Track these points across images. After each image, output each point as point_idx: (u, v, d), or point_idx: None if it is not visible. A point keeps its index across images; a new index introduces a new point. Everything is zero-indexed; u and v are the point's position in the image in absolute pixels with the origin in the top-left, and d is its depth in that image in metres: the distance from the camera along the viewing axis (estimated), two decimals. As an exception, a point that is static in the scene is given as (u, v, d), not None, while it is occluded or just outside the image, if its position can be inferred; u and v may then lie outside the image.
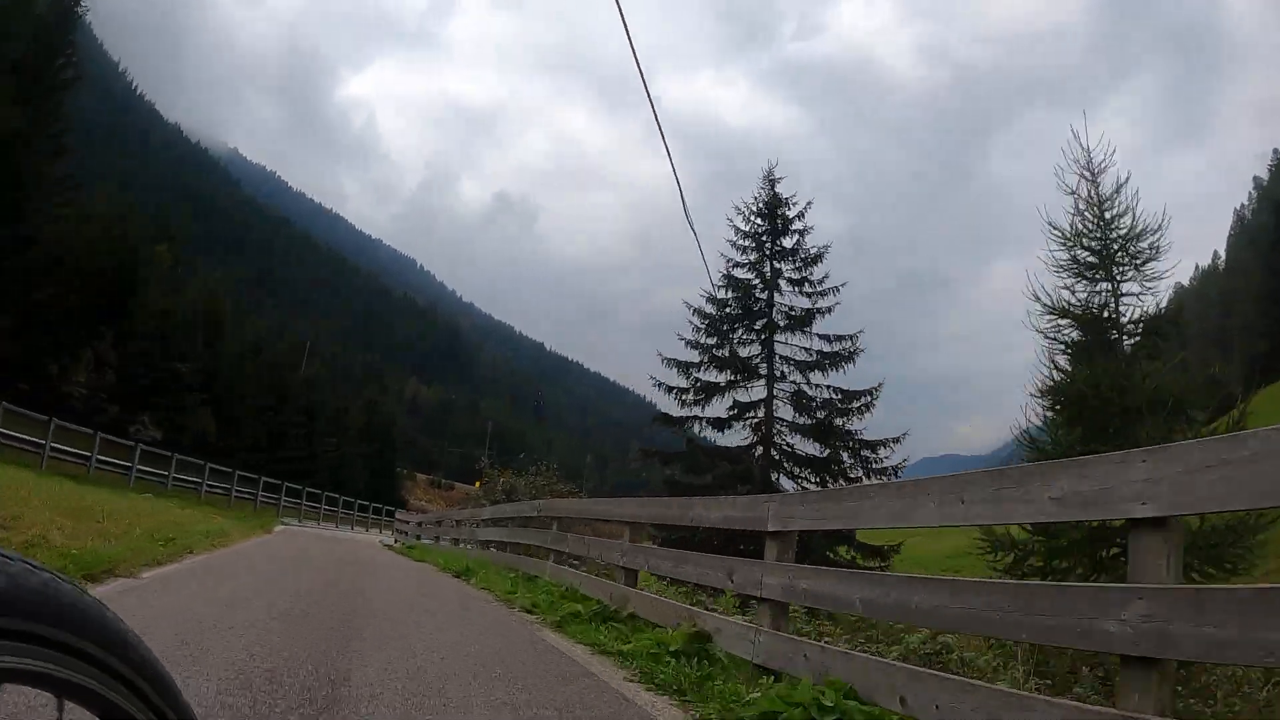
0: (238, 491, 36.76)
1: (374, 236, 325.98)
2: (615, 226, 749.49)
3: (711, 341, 28.40)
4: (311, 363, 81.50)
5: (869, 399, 26.96)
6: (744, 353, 28.42)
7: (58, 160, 49.17)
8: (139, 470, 29.56)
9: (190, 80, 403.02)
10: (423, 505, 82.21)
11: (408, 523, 34.87)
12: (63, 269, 48.30)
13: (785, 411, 27.73)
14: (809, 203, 29.06)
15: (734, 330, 28.68)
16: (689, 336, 28.48)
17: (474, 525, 21.92)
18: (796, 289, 28.24)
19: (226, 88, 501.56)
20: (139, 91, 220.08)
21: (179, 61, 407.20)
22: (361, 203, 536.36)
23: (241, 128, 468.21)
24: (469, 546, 21.40)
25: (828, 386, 27.44)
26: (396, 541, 31.99)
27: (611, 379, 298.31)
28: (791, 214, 28.54)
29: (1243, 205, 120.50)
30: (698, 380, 28.82)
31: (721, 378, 28.45)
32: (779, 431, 27.65)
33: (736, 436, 27.82)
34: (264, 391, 64.93)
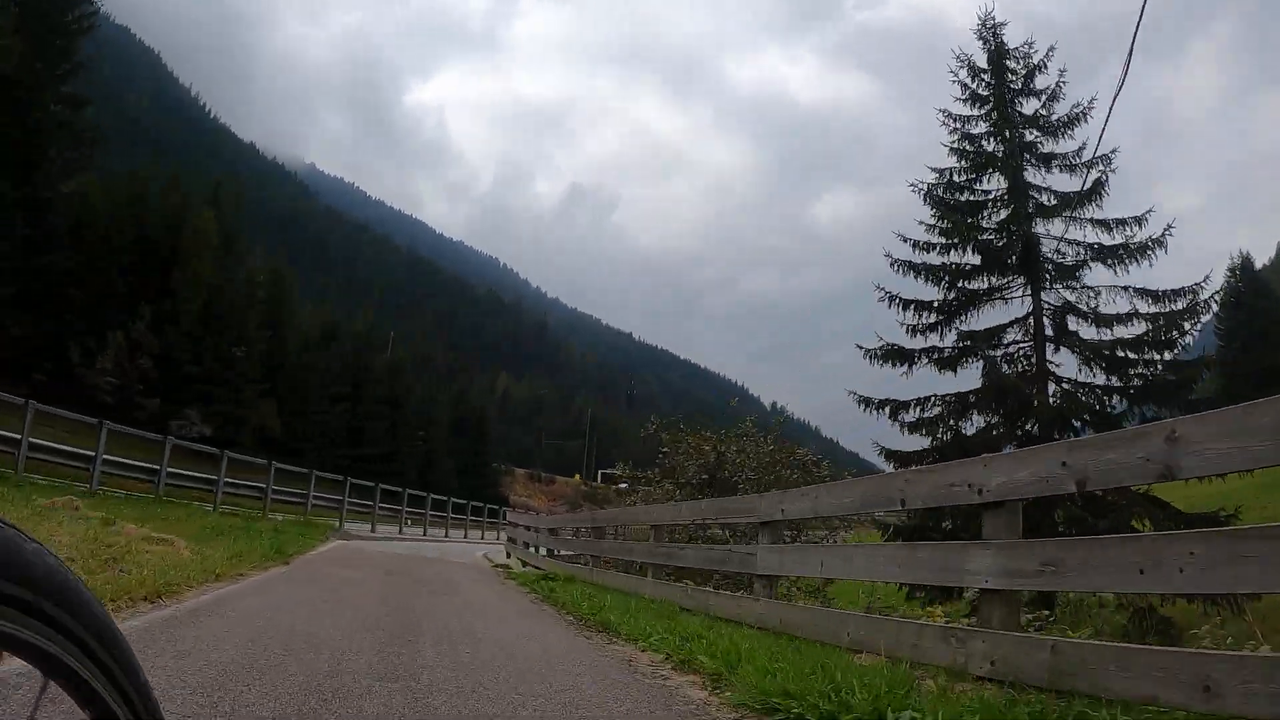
0: (313, 497, 26.51)
1: (454, 239, 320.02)
2: (692, 214, 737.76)
3: (949, 241, 20.22)
4: (395, 354, 72.36)
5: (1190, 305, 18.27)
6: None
7: (78, 111, 40.28)
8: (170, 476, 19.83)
9: (261, 100, 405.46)
10: (525, 501, 72.43)
11: (524, 527, 23.59)
12: (88, 233, 39.36)
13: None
14: (1051, 49, 20.73)
15: (980, 217, 20.46)
16: (919, 236, 20.48)
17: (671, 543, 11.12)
18: (1045, 166, 20.23)
19: (298, 104, 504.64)
20: (212, 114, 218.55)
21: (249, 82, 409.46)
22: (439, 207, 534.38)
23: (316, 142, 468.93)
24: (655, 577, 10.64)
25: (1124, 289, 18.85)
26: (510, 556, 22.07)
27: (702, 365, 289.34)
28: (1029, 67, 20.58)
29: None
30: (948, 287, 19.51)
31: (977, 283, 20.17)
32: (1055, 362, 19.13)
33: (969, 379, 19.89)
34: (338, 380, 55.73)
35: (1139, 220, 19.00)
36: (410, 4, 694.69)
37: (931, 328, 20.00)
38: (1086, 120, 19.62)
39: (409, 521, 33.24)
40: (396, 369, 65.27)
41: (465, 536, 36.97)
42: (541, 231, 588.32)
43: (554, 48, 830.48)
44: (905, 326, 20.31)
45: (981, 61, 20.79)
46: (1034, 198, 19.72)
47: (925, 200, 20.33)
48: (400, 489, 33.53)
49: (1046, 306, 19.00)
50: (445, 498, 38.25)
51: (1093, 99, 19.50)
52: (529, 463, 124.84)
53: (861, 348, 20.85)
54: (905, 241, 20.40)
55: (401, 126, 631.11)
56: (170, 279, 42.65)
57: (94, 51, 42.95)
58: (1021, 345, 19.56)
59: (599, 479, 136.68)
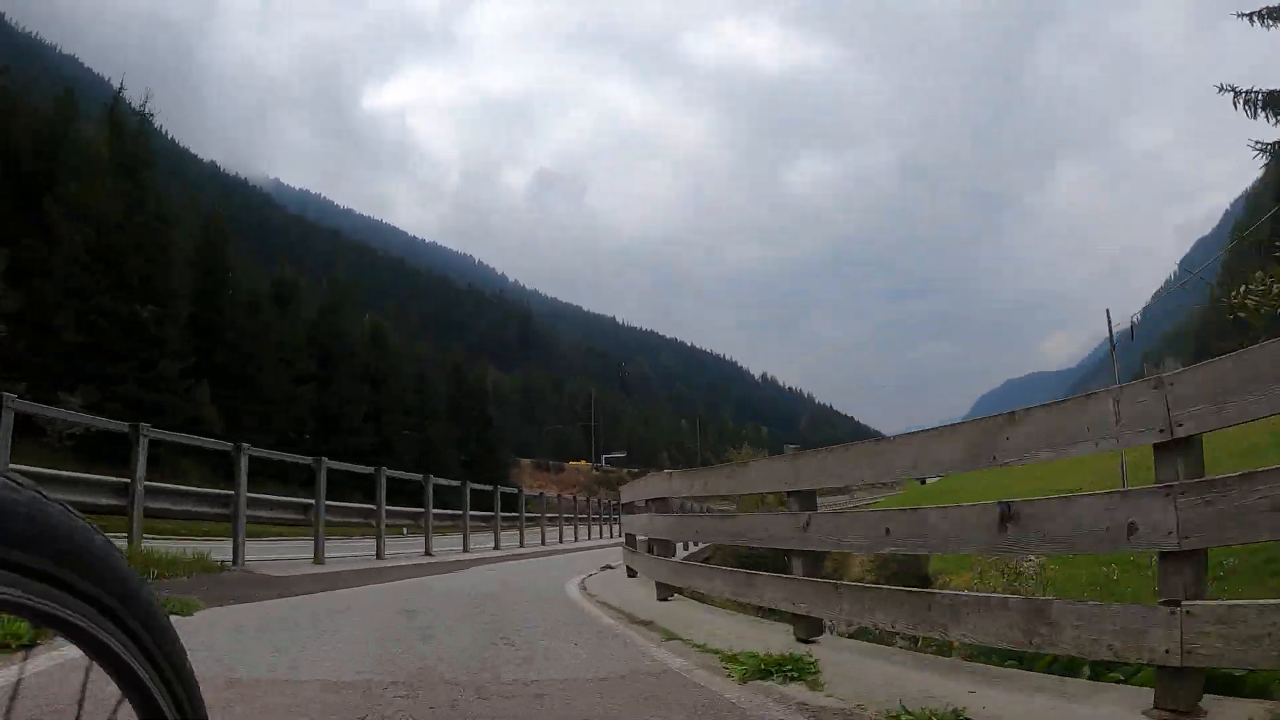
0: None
1: (428, 240, 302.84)
2: (668, 193, 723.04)
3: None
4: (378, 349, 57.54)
5: None
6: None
7: None
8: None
9: (219, 118, 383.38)
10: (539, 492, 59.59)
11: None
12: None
13: None
14: None
15: None
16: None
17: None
18: None
19: (257, 119, 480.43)
20: (170, 136, 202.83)
21: (205, 101, 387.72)
22: (410, 210, 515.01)
23: (280, 156, 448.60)
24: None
25: None
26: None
27: (690, 343, 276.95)
28: None
29: None
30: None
31: None
32: None
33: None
34: (300, 354, 41.40)
35: None
36: (364, 7, 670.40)
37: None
38: None
39: (406, 528, 19.35)
40: (378, 338, 50.77)
41: (544, 542, 23.47)
42: (516, 224, 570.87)
43: (512, 38, 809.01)
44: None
45: None
46: None
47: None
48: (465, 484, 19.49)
49: None
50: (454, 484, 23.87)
51: None
52: (529, 453, 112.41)
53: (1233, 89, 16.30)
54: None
55: (364, 132, 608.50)
56: (40, 206, 28.50)
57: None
58: None
59: (602, 463, 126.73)
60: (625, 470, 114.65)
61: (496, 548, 19.54)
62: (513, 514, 22.74)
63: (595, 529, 31.88)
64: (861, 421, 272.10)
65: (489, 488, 21.36)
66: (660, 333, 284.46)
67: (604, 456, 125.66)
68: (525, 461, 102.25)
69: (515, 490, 24.87)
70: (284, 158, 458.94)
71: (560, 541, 24.54)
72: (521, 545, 21.61)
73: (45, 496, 0.66)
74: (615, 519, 29.89)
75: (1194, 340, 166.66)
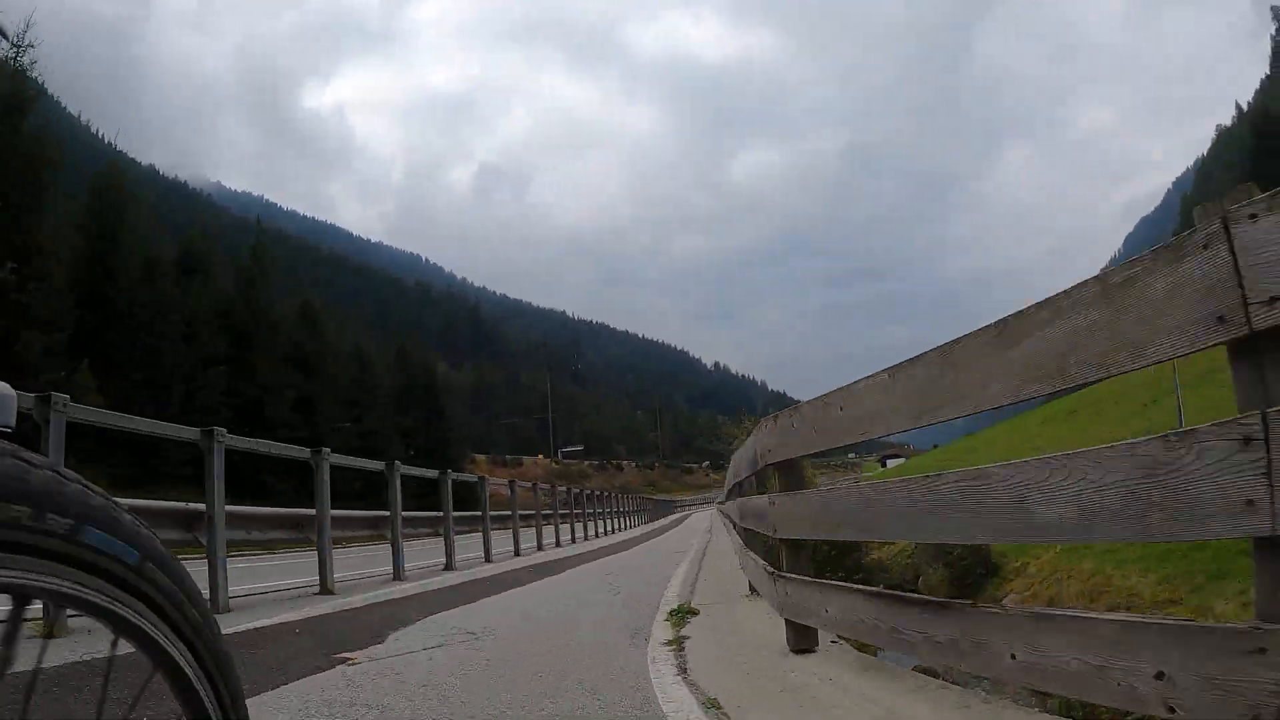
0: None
1: (374, 240, 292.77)
2: (614, 186, 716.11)
3: None
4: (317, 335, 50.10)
5: None
6: None
7: None
8: None
9: (156, 120, 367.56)
10: (498, 489, 53.14)
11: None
12: None
13: None
14: None
15: None
16: None
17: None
18: None
19: (195, 120, 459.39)
20: (106, 140, 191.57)
21: (141, 103, 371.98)
22: (354, 210, 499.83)
23: (220, 158, 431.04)
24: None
25: None
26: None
27: (641, 334, 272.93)
28: None
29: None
30: None
31: None
32: None
33: None
34: (211, 328, 34.67)
35: None
36: (302, 5, 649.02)
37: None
38: None
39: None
40: (309, 316, 44.08)
41: (541, 544, 17.32)
42: (462, 221, 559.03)
43: (453, 32, 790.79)
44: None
45: None
46: None
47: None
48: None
49: None
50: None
51: None
52: (485, 449, 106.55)
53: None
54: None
55: (306, 132, 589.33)
56: None
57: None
58: None
59: (559, 457, 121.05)
60: (585, 463, 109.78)
61: (516, 553, 14.99)
62: (505, 513, 17.05)
63: (595, 524, 26.04)
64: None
65: (472, 478, 15.72)
66: (611, 325, 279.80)
67: (560, 451, 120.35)
68: (481, 458, 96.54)
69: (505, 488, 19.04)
70: (225, 160, 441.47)
71: (559, 544, 18.79)
72: (539, 548, 16.83)
73: (116, 504, 0.72)
74: (591, 515, 24.59)
75: None
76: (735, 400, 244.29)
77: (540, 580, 9.55)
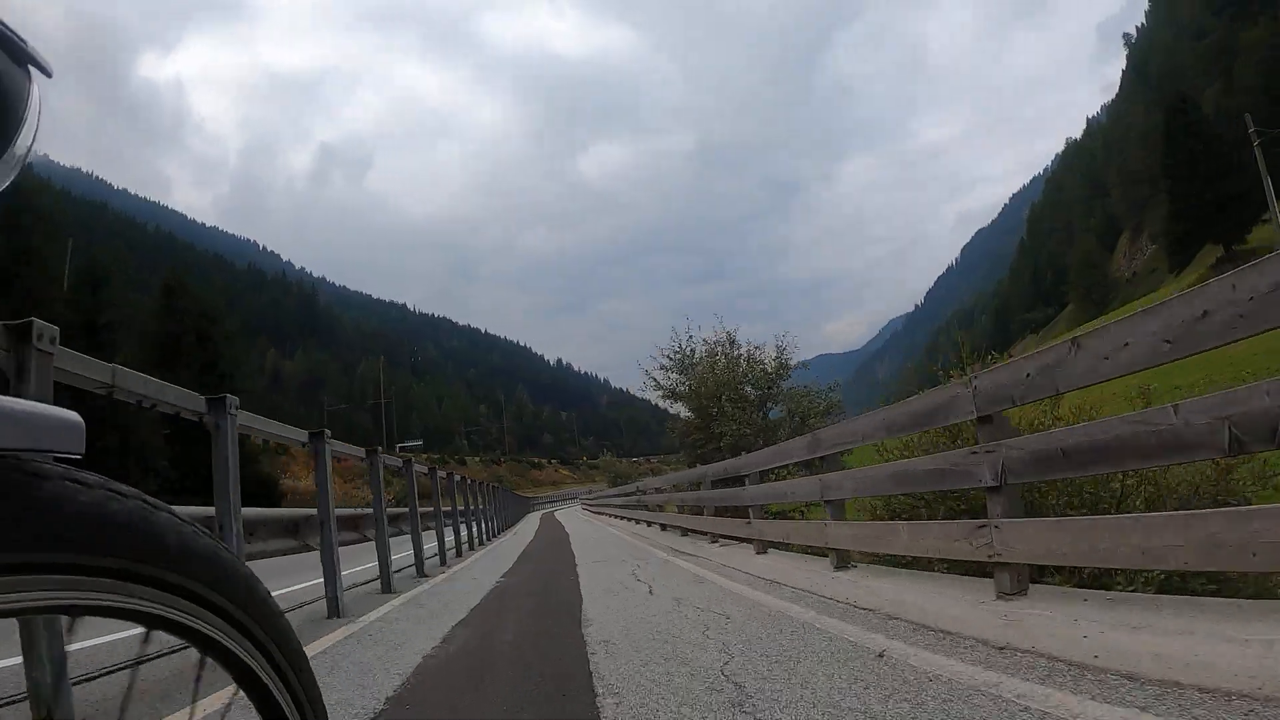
0: None
1: (208, 224, 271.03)
2: (463, 179, 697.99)
3: None
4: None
5: None
6: None
7: None
8: None
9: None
10: (298, 486, 45.77)
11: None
12: None
13: None
14: None
15: None
16: None
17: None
18: None
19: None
20: None
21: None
22: (189, 192, 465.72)
23: (51, 135, 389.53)
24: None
25: None
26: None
27: (483, 329, 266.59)
28: None
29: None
30: None
31: None
32: None
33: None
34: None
35: None
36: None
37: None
38: None
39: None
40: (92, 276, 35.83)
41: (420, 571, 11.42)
42: (302, 210, 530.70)
43: (304, 11, 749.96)
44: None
45: None
46: None
47: None
48: None
49: None
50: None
51: None
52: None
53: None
54: None
55: (139, 105, 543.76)
56: None
57: None
58: None
59: (395, 452, 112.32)
60: (424, 455, 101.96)
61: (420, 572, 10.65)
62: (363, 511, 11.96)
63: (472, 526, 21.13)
64: (656, 404, 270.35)
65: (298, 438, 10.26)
66: (452, 319, 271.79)
67: (399, 446, 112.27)
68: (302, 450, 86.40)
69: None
70: (57, 134, 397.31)
71: (460, 554, 14.06)
72: (443, 563, 12.08)
73: (182, 520, 0.74)
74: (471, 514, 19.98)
75: (989, 316, 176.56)
76: (579, 397, 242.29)
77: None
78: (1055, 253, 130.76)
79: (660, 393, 18.65)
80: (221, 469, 5.00)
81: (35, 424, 0.65)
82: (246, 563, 0.88)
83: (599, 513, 36.15)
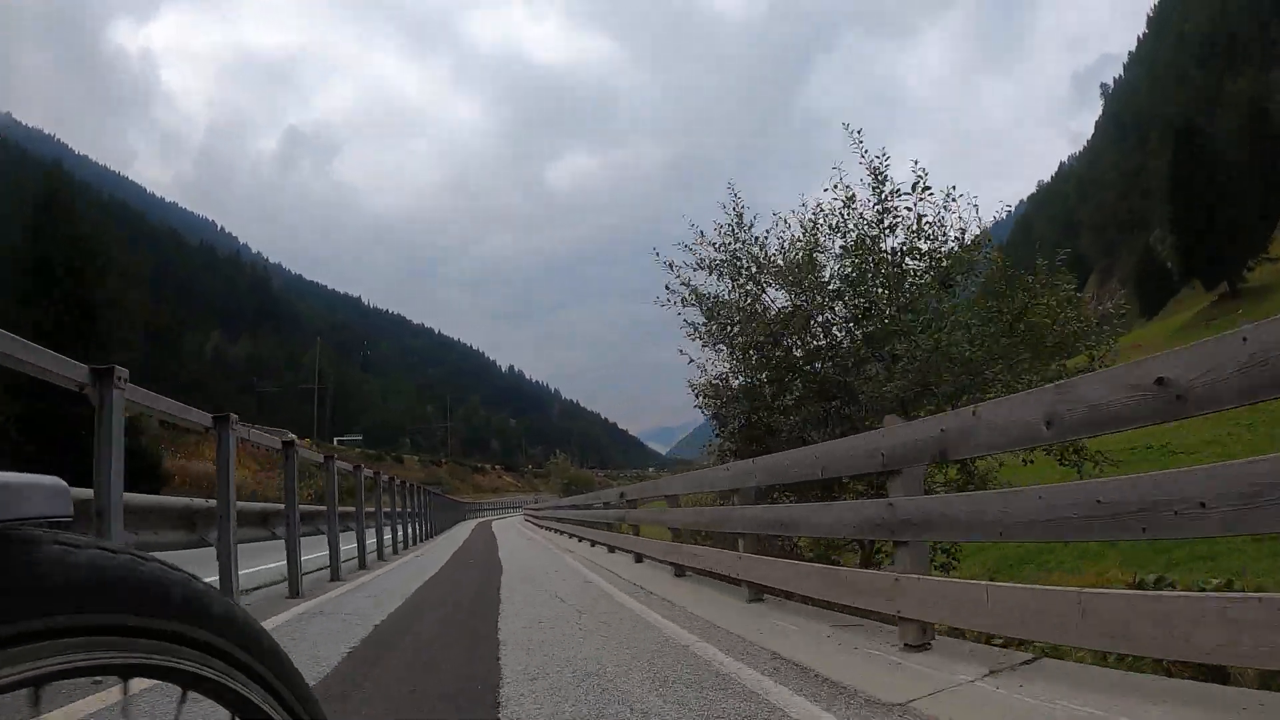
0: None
1: (166, 199, 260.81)
2: (429, 176, 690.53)
3: None
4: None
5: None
6: None
7: None
8: None
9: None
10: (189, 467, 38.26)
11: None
12: None
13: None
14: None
15: None
16: None
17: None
18: None
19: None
20: None
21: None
22: (151, 166, 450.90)
23: (16, 92, 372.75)
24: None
25: None
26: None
27: (439, 330, 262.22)
28: None
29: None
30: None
31: None
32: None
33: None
34: None
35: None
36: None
37: None
38: None
39: None
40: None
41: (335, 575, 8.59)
42: (264, 194, 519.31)
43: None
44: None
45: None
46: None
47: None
48: None
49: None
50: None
51: None
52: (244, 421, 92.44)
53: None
54: None
55: (109, 70, 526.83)
56: None
57: None
58: None
59: (334, 444, 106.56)
60: (357, 450, 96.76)
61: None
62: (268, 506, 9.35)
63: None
64: (608, 418, 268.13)
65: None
66: (408, 317, 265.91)
67: (337, 439, 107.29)
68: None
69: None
70: (21, 95, 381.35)
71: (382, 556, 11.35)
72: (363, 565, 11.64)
73: (143, 558, 0.73)
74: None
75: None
76: (530, 405, 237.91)
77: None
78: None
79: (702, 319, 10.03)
80: (105, 448, 4.44)
81: (20, 493, 0.66)
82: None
83: (542, 528, 28.48)
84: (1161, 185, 75.23)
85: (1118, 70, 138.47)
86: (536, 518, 35.94)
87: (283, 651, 0.87)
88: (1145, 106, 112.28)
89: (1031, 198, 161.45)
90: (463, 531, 29.32)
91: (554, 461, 45.46)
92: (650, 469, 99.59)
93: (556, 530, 23.92)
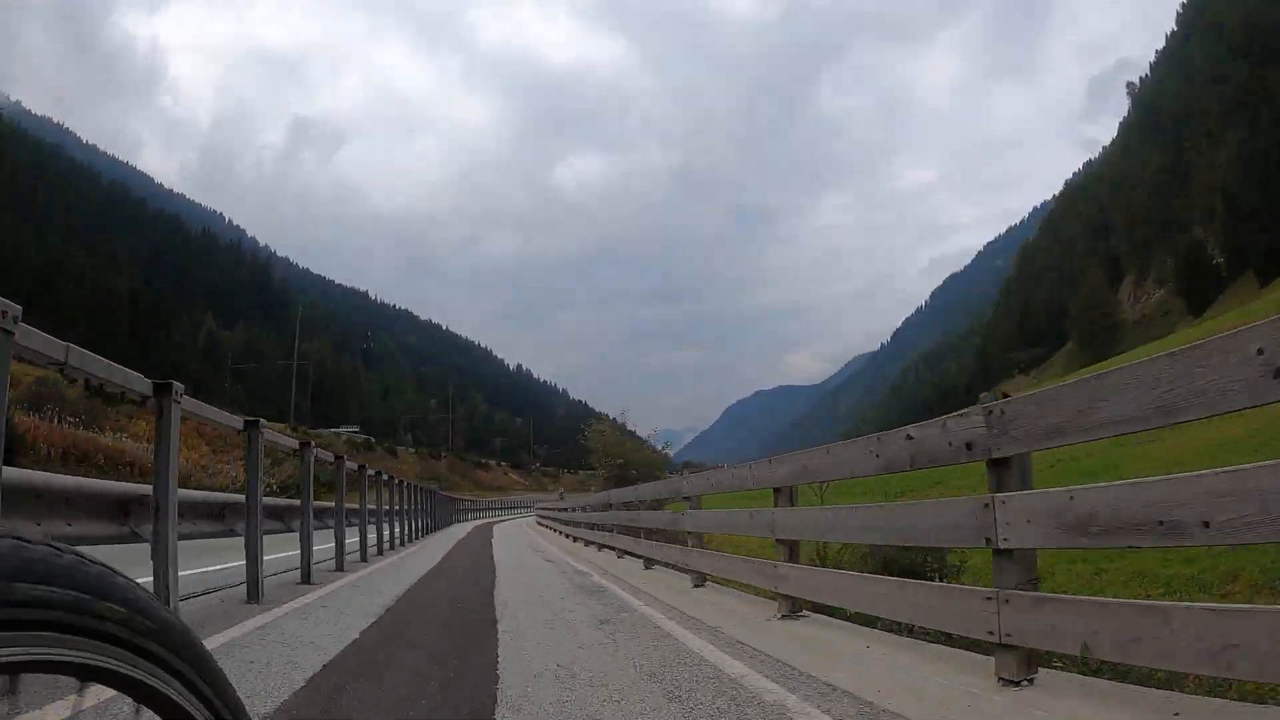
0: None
1: (174, 190, 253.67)
2: (436, 174, 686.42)
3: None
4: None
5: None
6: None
7: None
8: None
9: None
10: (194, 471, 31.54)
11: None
12: None
13: None
14: None
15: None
16: None
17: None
18: None
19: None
20: None
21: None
22: (158, 156, 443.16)
23: (23, 79, 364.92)
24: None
25: None
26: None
27: (444, 326, 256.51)
28: None
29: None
30: None
31: None
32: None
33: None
34: None
35: None
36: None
37: None
38: None
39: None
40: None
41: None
42: (271, 187, 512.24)
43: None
44: None
45: None
46: None
47: None
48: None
49: None
50: None
51: None
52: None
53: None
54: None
55: (116, 57, 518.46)
56: None
57: None
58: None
59: (337, 437, 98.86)
60: (344, 440, 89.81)
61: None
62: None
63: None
64: (615, 419, 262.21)
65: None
66: (414, 313, 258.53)
67: (332, 430, 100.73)
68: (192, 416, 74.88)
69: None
70: (29, 83, 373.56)
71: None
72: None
73: (85, 559, 0.71)
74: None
75: (951, 357, 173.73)
76: (536, 404, 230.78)
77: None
78: (1051, 292, 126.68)
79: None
80: (164, 450, 4.70)
81: None
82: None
83: (570, 536, 20.70)
84: (1208, 179, 71.19)
85: (1135, 74, 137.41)
86: (558, 521, 26.40)
87: (203, 645, 0.84)
88: (1178, 104, 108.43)
89: (1057, 198, 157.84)
90: (446, 541, 20.86)
91: (595, 428, 37.09)
92: (668, 471, 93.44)
93: (600, 545, 15.52)
